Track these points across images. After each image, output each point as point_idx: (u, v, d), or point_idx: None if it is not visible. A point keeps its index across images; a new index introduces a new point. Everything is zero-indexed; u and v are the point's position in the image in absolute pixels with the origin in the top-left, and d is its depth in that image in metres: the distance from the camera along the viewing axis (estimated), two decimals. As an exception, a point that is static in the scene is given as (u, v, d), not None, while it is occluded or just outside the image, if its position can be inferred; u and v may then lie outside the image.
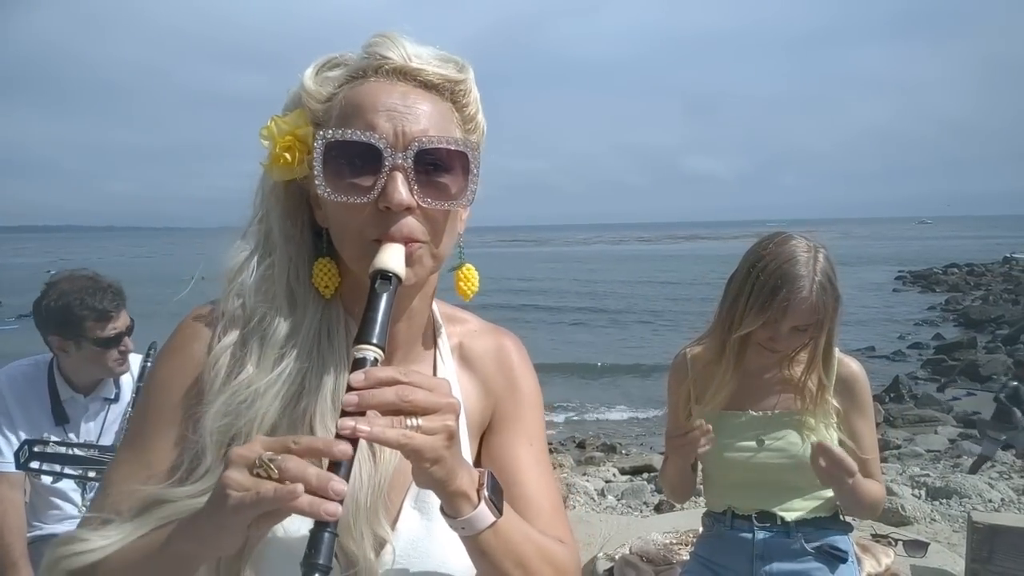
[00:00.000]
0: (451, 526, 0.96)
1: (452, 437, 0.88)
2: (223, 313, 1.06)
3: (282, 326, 1.02)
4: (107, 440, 2.77)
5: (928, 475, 7.47)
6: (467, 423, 1.16)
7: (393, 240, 0.95)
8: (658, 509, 6.74)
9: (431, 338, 1.18)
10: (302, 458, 0.81)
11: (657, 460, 10.19)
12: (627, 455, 11.47)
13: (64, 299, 2.65)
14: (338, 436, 0.82)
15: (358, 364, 0.87)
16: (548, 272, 51.74)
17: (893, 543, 3.26)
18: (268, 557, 0.98)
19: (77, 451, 2.31)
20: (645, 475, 9.00)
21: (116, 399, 2.86)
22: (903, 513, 5.73)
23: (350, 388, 0.84)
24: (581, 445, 12.51)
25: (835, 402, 2.20)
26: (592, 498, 7.12)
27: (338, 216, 1.00)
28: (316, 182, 0.97)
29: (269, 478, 0.79)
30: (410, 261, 0.97)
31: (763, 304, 2.06)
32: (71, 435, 2.75)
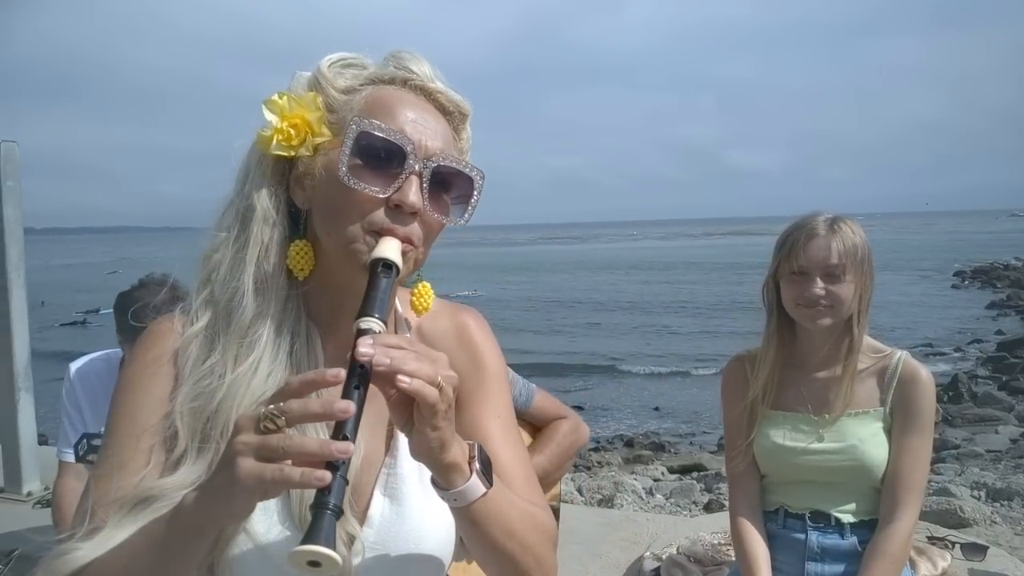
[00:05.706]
0: (443, 498, 0.99)
1: (451, 408, 0.91)
2: (195, 300, 1.09)
3: (248, 309, 1.05)
4: None
5: (988, 475, 7.27)
6: None
7: (395, 235, 1.02)
8: (707, 508, 6.68)
9: (398, 329, 1.23)
10: (303, 395, 0.83)
11: (707, 459, 10.08)
12: (676, 454, 11.39)
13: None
14: (352, 366, 0.85)
15: (362, 334, 0.90)
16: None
17: (950, 546, 3.18)
18: (240, 559, 0.99)
19: None
20: (694, 474, 8.93)
21: None
22: (962, 515, 5.57)
23: (352, 359, 0.86)
24: (629, 444, 12.46)
25: (891, 403, 2.15)
26: (640, 497, 7.08)
27: (342, 201, 1.03)
28: (340, 164, 1.01)
29: (277, 429, 0.81)
30: (402, 259, 1.02)
31: (779, 248, 2.19)
32: None
